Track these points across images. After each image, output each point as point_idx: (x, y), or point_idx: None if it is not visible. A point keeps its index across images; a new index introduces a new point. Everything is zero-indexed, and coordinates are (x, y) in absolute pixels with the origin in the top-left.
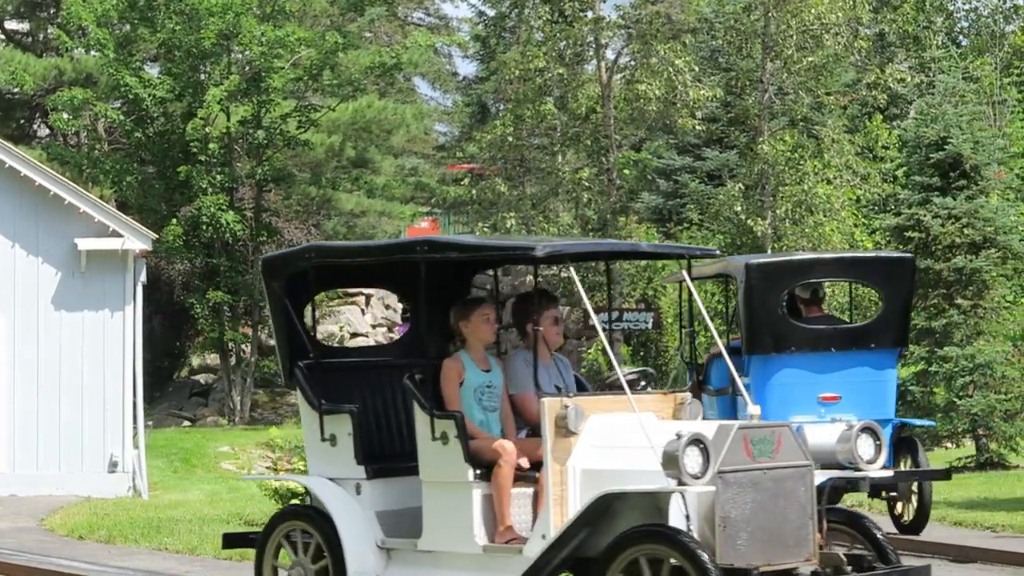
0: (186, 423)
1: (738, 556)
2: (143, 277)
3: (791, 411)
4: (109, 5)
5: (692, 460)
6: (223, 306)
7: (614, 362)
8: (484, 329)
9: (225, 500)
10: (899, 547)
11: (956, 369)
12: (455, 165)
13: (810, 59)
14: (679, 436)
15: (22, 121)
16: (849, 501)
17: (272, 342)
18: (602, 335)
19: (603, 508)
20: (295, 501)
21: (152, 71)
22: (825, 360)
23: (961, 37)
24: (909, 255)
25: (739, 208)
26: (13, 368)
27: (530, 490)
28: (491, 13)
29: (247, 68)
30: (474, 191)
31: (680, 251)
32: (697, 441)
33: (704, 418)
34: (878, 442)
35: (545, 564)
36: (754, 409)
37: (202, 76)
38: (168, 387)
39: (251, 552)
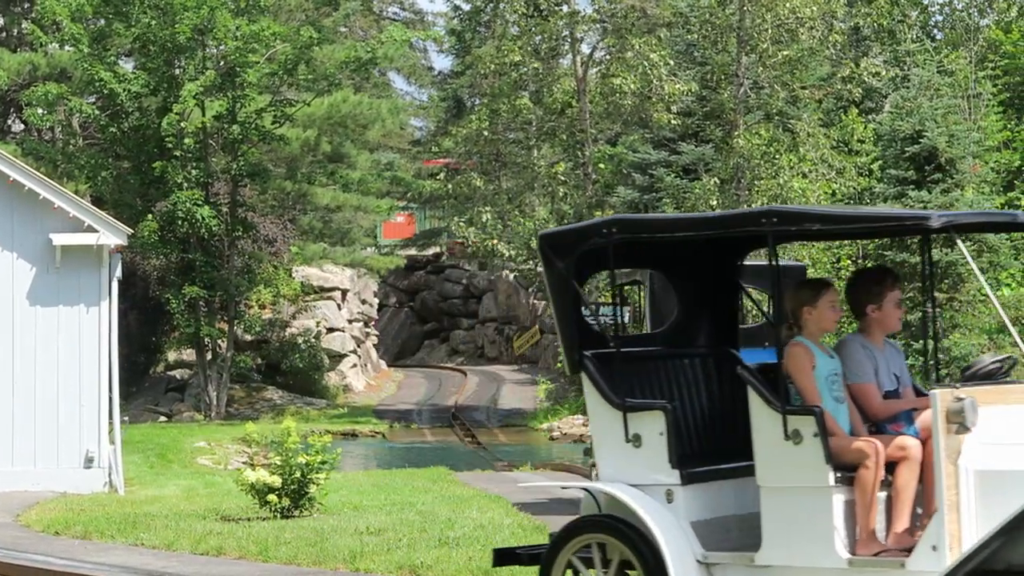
0: (162, 418)
1: None
2: (118, 272)
3: None
4: (83, 0)
5: None
6: (199, 301)
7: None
8: (829, 316)
9: (202, 495)
10: None
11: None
12: (431, 160)
13: (785, 53)
14: None
15: None
16: None
17: (249, 337)
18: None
19: None
20: (594, 514)
21: (127, 66)
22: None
23: (936, 31)
24: (801, 264)
25: (715, 202)
26: None
27: (883, 494)
28: (466, 7)
29: (222, 63)
30: (450, 185)
31: None
32: None
33: None
34: None
35: None
36: None
37: (177, 71)
38: (144, 382)
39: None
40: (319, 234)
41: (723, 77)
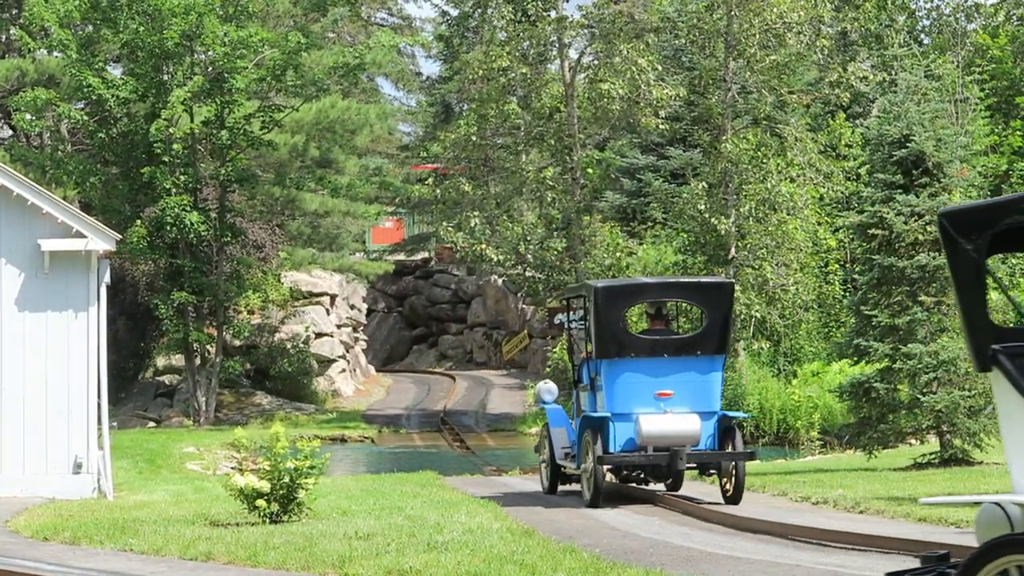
0: (151, 424)
1: None
2: (107, 278)
3: (633, 404)
4: (72, 6)
5: None
6: (187, 307)
7: None
8: None
9: (191, 501)
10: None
11: (920, 366)
12: (419, 165)
13: (773, 58)
14: None
15: None
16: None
17: (238, 343)
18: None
19: None
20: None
21: (115, 72)
22: (660, 364)
23: (923, 35)
24: (729, 280)
25: (703, 206)
26: None
27: None
28: (454, 13)
29: (210, 68)
30: (438, 191)
31: None
32: None
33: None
34: None
35: None
36: None
37: (165, 76)
38: (133, 388)
39: (213, 551)
40: (307, 239)
41: (711, 82)
